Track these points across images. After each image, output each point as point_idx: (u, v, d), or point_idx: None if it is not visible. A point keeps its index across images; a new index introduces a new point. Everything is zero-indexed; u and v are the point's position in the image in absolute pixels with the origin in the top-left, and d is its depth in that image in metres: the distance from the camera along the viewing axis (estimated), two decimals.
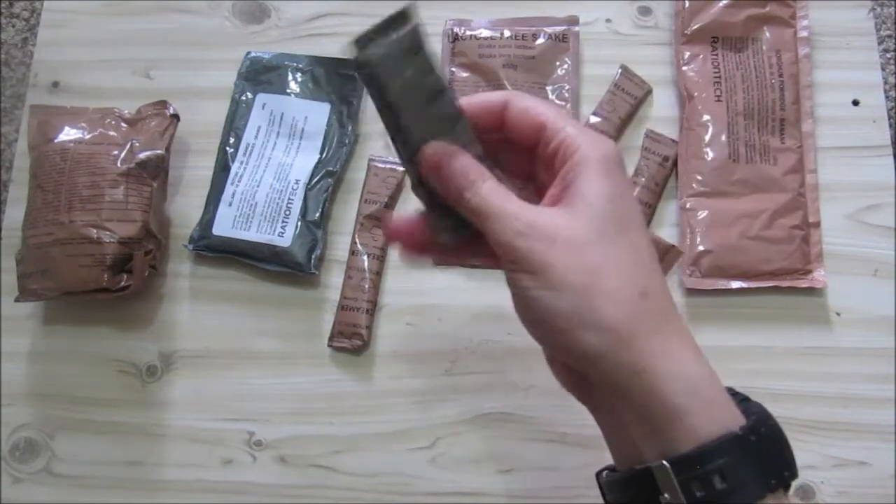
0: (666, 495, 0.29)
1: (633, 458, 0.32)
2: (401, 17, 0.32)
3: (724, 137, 0.56)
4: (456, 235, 0.35)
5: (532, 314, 0.31)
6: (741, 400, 0.32)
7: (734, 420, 0.29)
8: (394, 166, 0.57)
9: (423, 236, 0.35)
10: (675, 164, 0.57)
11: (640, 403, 0.30)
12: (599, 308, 0.30)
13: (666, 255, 0.53)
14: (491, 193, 0.32)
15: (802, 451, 0.51)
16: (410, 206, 0.57)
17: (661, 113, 0.59)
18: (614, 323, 0.30)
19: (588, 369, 0.31)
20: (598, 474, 0.35)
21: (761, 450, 0.29)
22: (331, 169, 0.56)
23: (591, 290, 0.30)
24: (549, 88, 0.58)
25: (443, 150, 0.33)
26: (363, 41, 0.32)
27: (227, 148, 0.57)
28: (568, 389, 0.37)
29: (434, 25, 0.61)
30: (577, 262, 0.30)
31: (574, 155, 0.32)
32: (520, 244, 0.31)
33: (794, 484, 0.50)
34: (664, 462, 0.29)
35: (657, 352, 0.30)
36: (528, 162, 0.35)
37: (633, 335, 0.30)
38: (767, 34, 0.59)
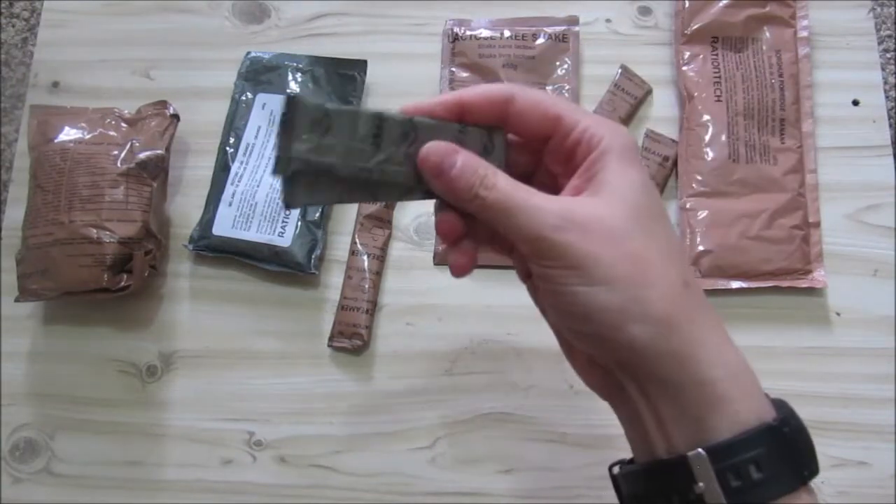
0: (700, 484, 0.28)
1: (658, 451, 0.31)
2: (289, 106, 0.30)
3: (724, 137, 0.56)
4: None
5: (578, 309, 0.30)
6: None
7: (769, 411, 0.29)
8: None
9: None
10: (675, 164, 0.57)
11: (682, 391, 0.29)
12: (649, 299, 0.29)
13: None
14: (509, 186, 0.30)
15: None
16: (411, 206, 0.57)
17: (661, 113, 0.59)
18: (663, 313, 0.29)
19: (631, 360, 0.30)
20: (611, 468, 0.34)
21: (793, 442, 0.29)
22: None
23: (638, 281, 0.29)
24: (549, 88, 0.58)
25: (441, 150, 0.31)
26: (283, 162, 0.29)
27: (227, 148, 0.57)
28: (590, 384, 0.35)
29: (434, 25, 0.61)
30: (621, 253, 0.29)
31: (599, 144, 0.31)
32: (557, 238, 0.29)
33: None
34: (700, 451, 0.28)
35: (701, 340, 0.29)
36: (529, 157, 0.34)
37: (680, 324, 0.29)
38: (767, 34, 0.59)
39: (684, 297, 0.30)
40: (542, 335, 0.53)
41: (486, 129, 0.33)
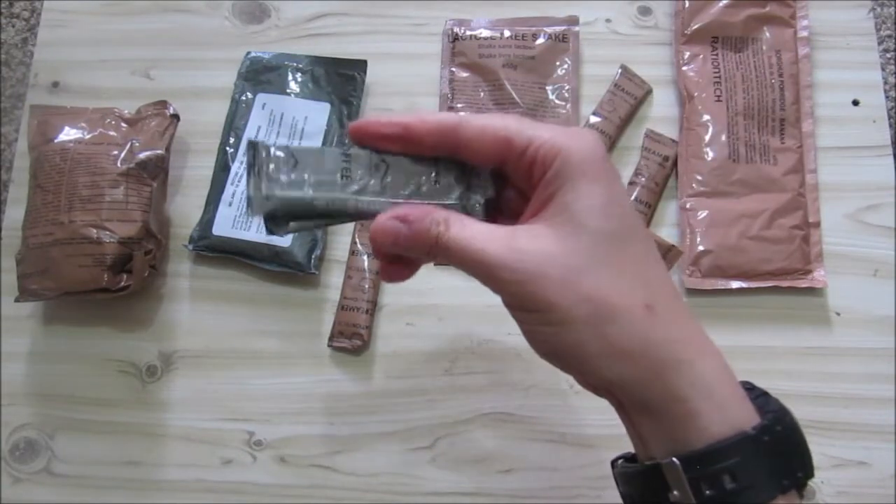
0: (675, 492, 0.29)
1: (642, 456, 0.32)
2: (252, 150, 0.31)
3: (724, 137, 0.56)
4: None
5: (544, 347, 0.31)
6: (758, 395, 0.32)
7: (748, 419, 0.29)
8: None
9: None
10: (675, 164, 0.57)
11: (655, 410, 0.29)
12: (610, 335, 0.29)
13: (666, 255, 0.53)
14: (460, 235, 0.30)
15: None
16: None
17: (661, 113, 0.59)
18: (627, 345, 0.29)
19: (602, 386, 0.31)
20: (613, 463, 0.34)
21: (775, 450, 0.29)
22: None
23: (599, 318, 0.29)
24: (549, 88, 0.58)
25: (389, 223, 0.30)
26: (257, 201, 0.30)
27: (227, 148, 0.57)
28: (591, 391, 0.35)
29: (434, 25, 0.61)
30: (577, 295, 0.28)
31: (554, 162, 0.29)
32: (510, 285, 0.29)
33: None
34: (674, 459, 0.29)
35: (670, 360, 0.29)
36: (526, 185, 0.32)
37: (645, 350, 0.29)
38: (767, 34, 0.59)
39: (648, 323, 0.29)
40: None
41: (464, 164, 0.33)
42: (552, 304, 0.29)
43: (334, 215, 0.32)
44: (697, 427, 0.28)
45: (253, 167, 0.30)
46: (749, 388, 0.32)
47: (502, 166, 0.32)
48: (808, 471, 0.30)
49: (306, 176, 0.31)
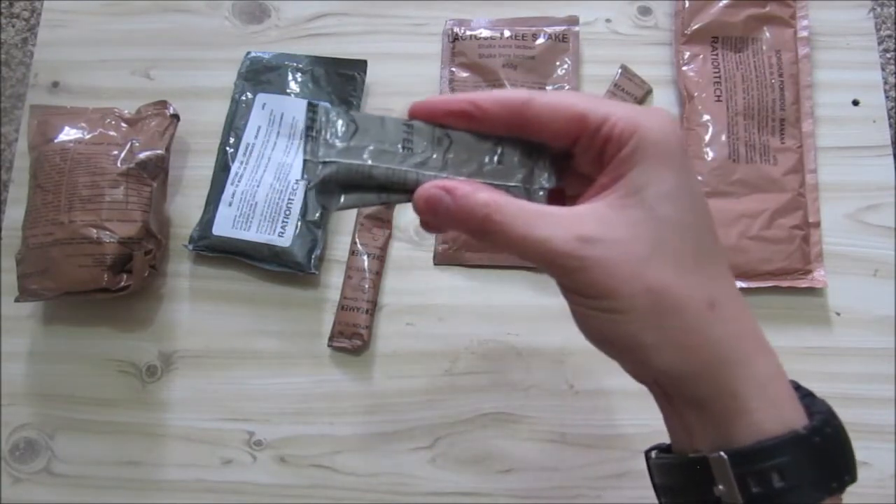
0: (721, 486, 0.28)
1: (685, 448, 0.31)
2: (312, 111, 0.29)
3: (724, 137, 0.56)
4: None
5: (596, 333, 0.30)
6: (805, 395, 0.31)
7: (799, 419, 0.29)
8: None
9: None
10: None
11: (705, 405, 0.29)
12: (670, 328, 0.28)
13: None
14: (515, 222, 0.28)
15: None
16: (411, 206, 0.57)
17: None
18: (685, 341, 0.28)
19: (650, 376, 0.30)
20: (647, 453, 0.33)
21: (824, 451, 0.28)
22: None
23: (659, 311, 0.28)
24: (549, 88, 0.58)
25: (434, 191, 0.30)
26: (311, 166, 0.29)
27: (227, 148, 0.57)
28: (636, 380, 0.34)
29: (434, 25, 0.61)
30: (640, 285, 0.27)
31: (630, 140, 0.28)
32: (574, 276, 0.28)
33: None
34: (722, 453, 0.28)
35: (727, 357, 0.28)
36: (592, 167, 0.31)
37: (701, 347, 0.28)
38: (767, 34, 0.59)
39: (709, 320, 0.28)
40: (543, 335, 0.53)
41: (528, 146, 0.31)
42: (614, 292, 0.28)
43: (392, 188, 0.30)
44: (748, 423, 0.28)
45: (311, 130, 0.29)
46: (796, 387, 0.31)
47: (573, 144, 0.30)
48: (853, 474, 0.29)
49: (366, 143, 0.29)
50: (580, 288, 0.28)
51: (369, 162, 0.30)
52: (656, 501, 0.33)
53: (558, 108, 0.29)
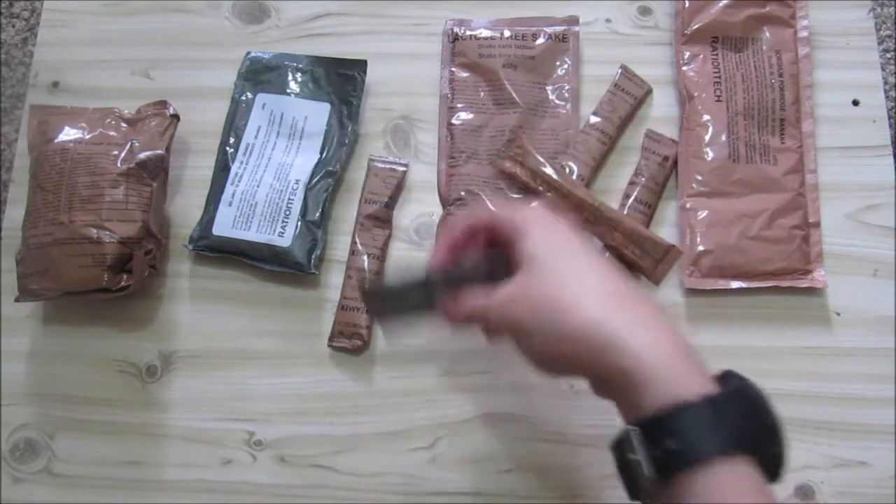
0: (633, 456, 0.34)
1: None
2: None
3: (724, 137, 0.56)
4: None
5: (533, 361, 0.39)
6: (729, 377, 0.35)
7: (695, 389, 0.33)
8: (394, 166, 0.57)
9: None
10: (675, 164, 0.57)
11: (610, 384, 0.36)
12: (554, 326, 0.36)
13: (666, 255, 0.53)
14: (470, 306, 0.40)
15: (802, 451, 0.51)
16: (411, 206, 0.57)
17: (661, 113, 0.59)
18: (568, 333, 0.35)
19: (575, 373, 0.37)
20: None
21: (719, 418, 0.32)
22: (331, 169, 0.56)
23: (543, 315, 0.37)
24: (549, 88, 0.58)
25: (451, 315, 0.41)
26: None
27: (227, 148, 0.57)
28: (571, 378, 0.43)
29: (434, 25, 0.61)
30: (528, 303, 0.37)
31: (513, 228, 0.39)
32: (499, 321, 0.39)
33: (794, 484, 0.50)
34: (633, 426, 0.34)
35: (604, 340, 0.35)
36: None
37: (584, 333, 0.35)
38: (767, 34, 0.59)
39: (584, 311, 0.36)
40: None
41: (488, 255, 0.43)
42: (516, 319, 0.38)
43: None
44: (647, 396, 0.33)
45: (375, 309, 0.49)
46: (724, 373, 0.36)
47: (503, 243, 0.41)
48: (760, 445, 0.33)
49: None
50: (505, 328, 0.39)
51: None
52: None
53: (479, 221, 0.42)
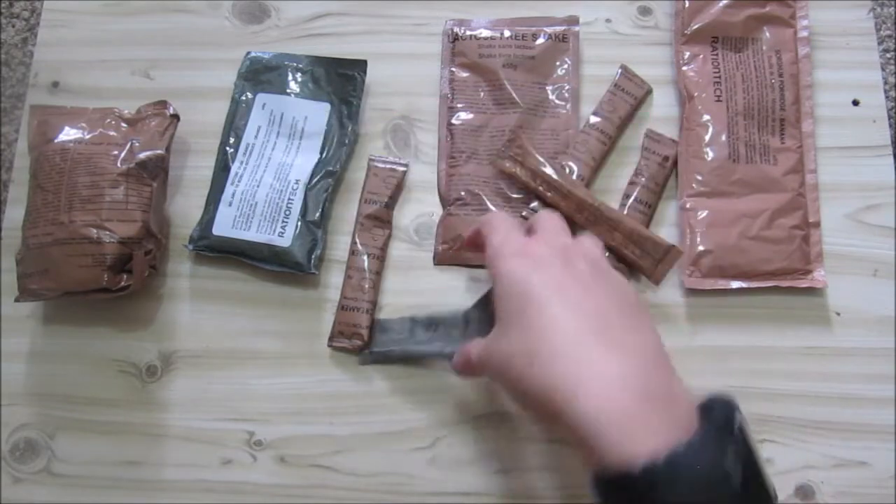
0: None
1: None
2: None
3: (724, 137, 0.56)
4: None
5: (513, 394, 0.40)
6: (708, 407, 0.36)
7: (652, 445, 0.33)
8: (394, 166, 0.57)
9: None
10: (675, 164, 0.57)
11: (572, 441, 0.36)
12: (512, 381, 0.38)
13: (666, 255, 0.53)
14: (465, 359, 0.43)
15: (802, 451, 0.51)
16: (411, 206, 0.57)
17: (661, 113, 0.59)
18: (525, 389, 0.37)
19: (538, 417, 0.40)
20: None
21: (667, 485, 0.32)
22: (331, 169, 0.56)
23: (499, 371, 0.40)
24: (549, 88, 0.58)
25: (457, 366, 0.45)
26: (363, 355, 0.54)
27: (227, 148, 0.57)
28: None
29: (434, 25, 0.61)
30: (490, 359, 0.40)
31: (490, 272, 0.42)
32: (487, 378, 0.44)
33: (794, 484, 0.50)
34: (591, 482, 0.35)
35: (552, 403, 0.36)
36: None
37: (534, 395, 0.37)
38: (767, 34, 0.59)
39: (529, 371, 0.37)
40: None
41: (482, 298, 0.48)
42: (492, 375, 0.41)
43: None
44: (600, 460, 0.34)
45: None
46: (711, 402, 0.36)
47: None
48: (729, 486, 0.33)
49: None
50: (494, 377, 0.42)
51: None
52: None
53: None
